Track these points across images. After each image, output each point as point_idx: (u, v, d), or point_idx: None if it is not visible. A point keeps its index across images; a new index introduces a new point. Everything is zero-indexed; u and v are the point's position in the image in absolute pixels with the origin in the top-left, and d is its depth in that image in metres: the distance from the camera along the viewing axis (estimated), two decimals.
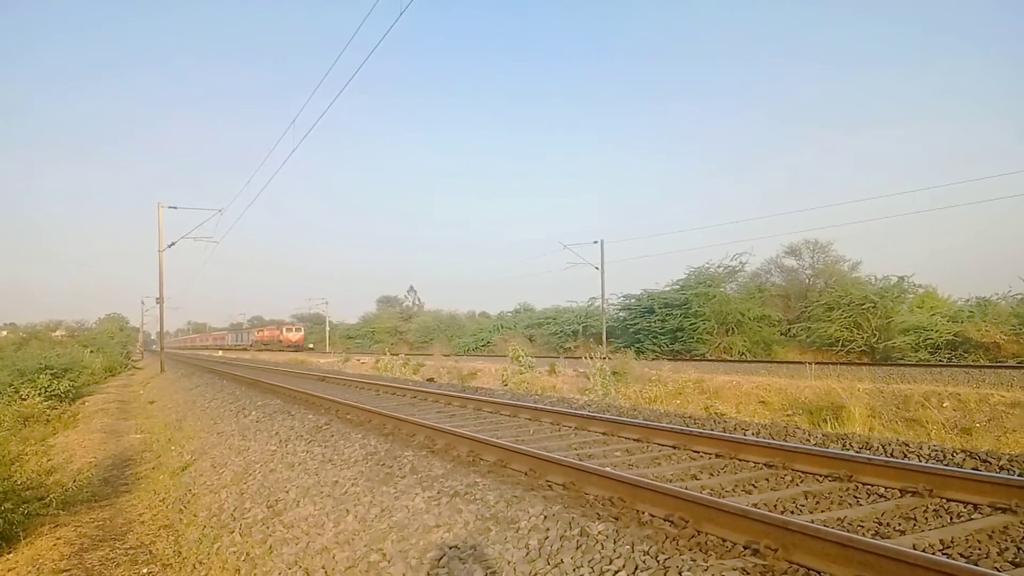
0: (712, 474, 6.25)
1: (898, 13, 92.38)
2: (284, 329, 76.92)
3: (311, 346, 76.40)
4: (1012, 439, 11.80)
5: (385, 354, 36.62)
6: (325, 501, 6.52)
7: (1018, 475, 5.76)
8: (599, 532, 4.28)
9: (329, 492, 6.73)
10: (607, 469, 5.78)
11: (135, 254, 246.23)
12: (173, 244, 36.72)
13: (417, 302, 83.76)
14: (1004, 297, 29.66)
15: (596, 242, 39.68)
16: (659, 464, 6.76)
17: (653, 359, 29.07)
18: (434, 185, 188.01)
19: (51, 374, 23.61)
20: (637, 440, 8.01)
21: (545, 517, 4.72)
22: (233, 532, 6.70)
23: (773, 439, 7.74)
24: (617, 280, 54.99)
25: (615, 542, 4.12)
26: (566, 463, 6.03)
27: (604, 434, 8.62)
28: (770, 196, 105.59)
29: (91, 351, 40.25)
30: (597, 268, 39.67)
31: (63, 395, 22.85)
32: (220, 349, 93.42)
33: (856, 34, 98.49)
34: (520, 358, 24.07)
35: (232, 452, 10.05)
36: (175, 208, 36.24)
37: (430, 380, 25.97)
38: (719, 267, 38.33)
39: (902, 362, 25.29)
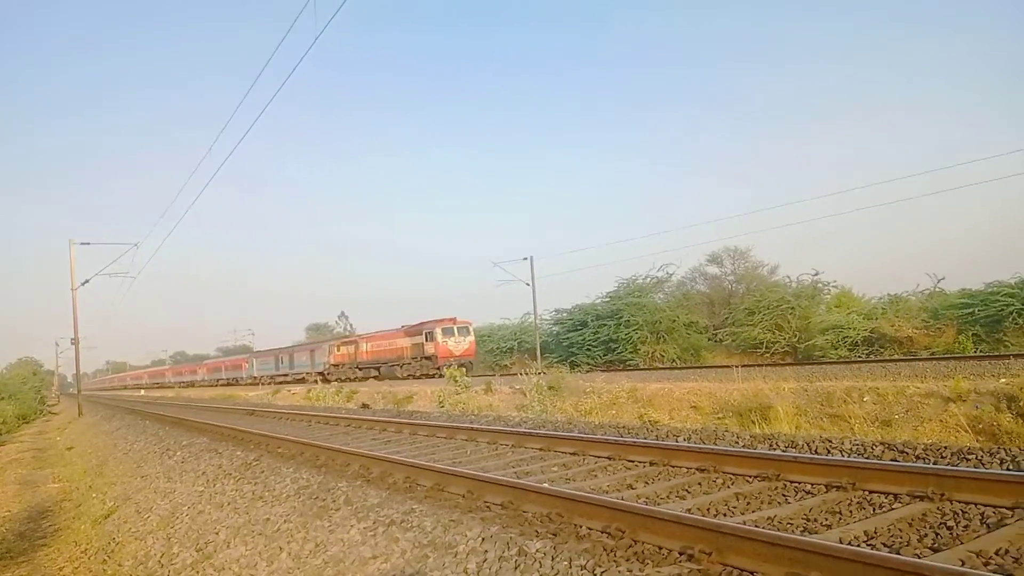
0: (647, 482, 6.33)
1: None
2: (440, 331, 35.88)
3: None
4: (928, 428, 12.35)
5: (316, 382, 35.81)
6: (257, 540, 6.30)
7: (933, 463, 6.04)
8: (537, 550, 4.27)
9: (261, 530, 6.51)
10: (544, 485, 5.79)
11: (46, 293, 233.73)
12: (87, 282, 35.18)
13: (349, 328, 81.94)
14: (914, 293, 31.09)
15: (526, 259, 40.01)
16: (595, 476, 6.80)
17: (587, 371, 29.34)
18: (366, 206, 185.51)
19: None
20: (574, 454, 8.05)
21: (483, 539, 4.67)
22: None
23: (704, 443, 7.91)
24: (551, 295, 55.88)
25: (553, 559, 4.11)
26: (503, 482, 6.01)
27: (541, 450, 8.63)
28: (719, 201, 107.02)
29: (2, 399, 38.01)
30: (528, 284, 39.96)
31: None
32: (244, 383, 59.97)
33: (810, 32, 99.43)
34: (456, 378, 23.93)
35: (158, 495, 9.62)
36: (87, 244, 34.81)
37: (365, 407, 25.53)
38: (646, 278, 39.18)
39: (823, 360, 26.24)
